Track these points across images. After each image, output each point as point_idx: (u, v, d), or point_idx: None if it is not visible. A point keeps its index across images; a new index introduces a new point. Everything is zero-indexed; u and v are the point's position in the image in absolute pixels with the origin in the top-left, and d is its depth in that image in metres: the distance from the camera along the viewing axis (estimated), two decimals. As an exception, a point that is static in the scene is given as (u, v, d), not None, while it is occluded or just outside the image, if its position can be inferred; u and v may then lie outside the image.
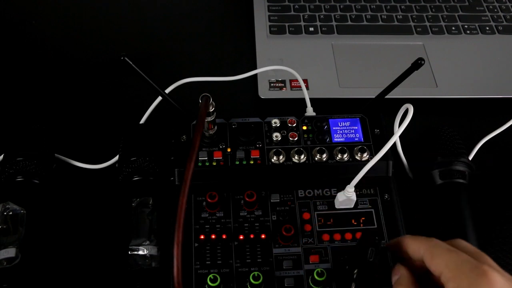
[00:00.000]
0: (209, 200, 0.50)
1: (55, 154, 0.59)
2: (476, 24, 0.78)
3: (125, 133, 0.56)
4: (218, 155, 0.53)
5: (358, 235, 0.51)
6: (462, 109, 0.69)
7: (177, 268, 0.39)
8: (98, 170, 0.59)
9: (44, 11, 0.79)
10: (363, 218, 0.52)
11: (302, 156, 0.53)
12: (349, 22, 0.77)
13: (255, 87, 0.68)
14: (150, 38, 0.76)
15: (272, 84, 0.68)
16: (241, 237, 0.50)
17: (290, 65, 0.64)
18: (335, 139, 0.55)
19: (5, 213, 0.53)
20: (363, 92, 0.66)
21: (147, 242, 0.51)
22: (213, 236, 0.50)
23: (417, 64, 0.51)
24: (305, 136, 0.55)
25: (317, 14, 0.78)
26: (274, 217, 0.52)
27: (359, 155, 0.54)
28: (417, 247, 0.43)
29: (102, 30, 0.77)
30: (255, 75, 0.67)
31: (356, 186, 0.49)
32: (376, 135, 0.56)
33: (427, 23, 0.77)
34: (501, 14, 0.80)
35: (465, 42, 0.76)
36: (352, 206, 0.52)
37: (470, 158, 0.61)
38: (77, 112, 0.66)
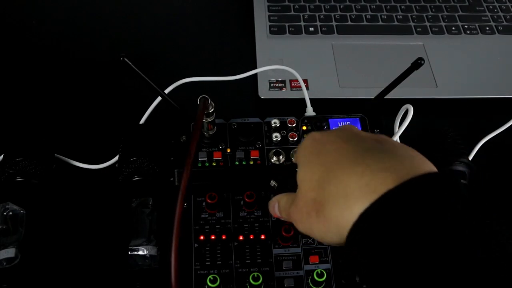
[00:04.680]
0: (208, 200, 0.50)
1: (55, 154, 0.59)
2: (476, 24, 0.78)
3: (125, 133, 0.56)
4: (217, 156, 0.54)
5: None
6: (462, 109, 0.69)
7: (175, 277, 0.39)
8: (98, 170, 0.59)
9: (44, 11, 0.79)
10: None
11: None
12: (349, 22, 0.77)
13: (255, 87, 0.68)
14: (150, 38, 0.76)
15: (272, 84, 0.68)
16: (241, 237, 0.50)
17: (290, 65, 0.64)
18: (335, 140, 0.55)
19: (5, 214, 0.53)
20: (363, 92, 0.66)
21: (147, 243, 0.51)
22: (212, 237, 0.50)
23: (417, 64, 0.51)
24: (305, 136, 0.55)
25: (317, 14, 0.78)
26: (273, 218, 0.52)
27: (359, 155, 0.54)
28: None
29: (102, 30, 0.77)
30: (255, 75, 0.67)
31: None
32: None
33: (427, 23, 0.77)
34: (501, 14, 0.80)
35: (465, 42, 0.75)
36: (352, 206, 0.52)
37: (470, 158, 0.61)
38: (77, 112, 0.66)
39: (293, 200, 0.39)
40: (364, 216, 0.30)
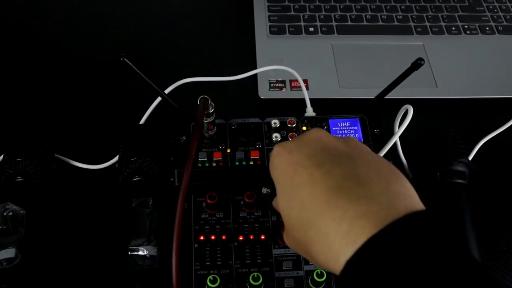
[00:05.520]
0: (208, 201, 0.50)
1: (55, 154, 0.59)
2: (476, 24, 0.78)
3: (125, 133, 0.56)
4: (217, 156, 0.53)
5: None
6: (462, 109, 0.69)
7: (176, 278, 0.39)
8: (98, 170, 0.59)
9: (44, 11, 0.79)
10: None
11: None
12: (349, 22, 0.77)
13: (255, 87, 0.68)
14: (150, 38, 0.76)
15: (272, 84, 0.68)
16: (241, 238, 0.50)
17: (290, 65, 0.64)
18: (335, 140, 0.55)
19: (5, 214, 0.53)
20: (363, 92, 0.66)
21: (147, 243, 0.51)
22: (212, 237, 0.50)
23: (417, 64, 0.51)
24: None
25: (317, 14, 0.78)
26: (274, 218, 0.52)
27: (359, 155, 0.54)
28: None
29: (102, 30, 0.77)
30: (255, 75, 0.67)
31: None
32: (376, 135, 0.56)
33: (427, 23, 0.77)
34: (501, 14, 0.80)
35: (465, 42, 0.75)
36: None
37: (470, 158, 0.61)
38: (77, 112, 0.66)
39: (285, 228, 0.40)
40: (348, 267, 0.31)
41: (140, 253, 0.51)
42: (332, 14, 0.78)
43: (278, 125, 0.56)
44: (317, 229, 0.33)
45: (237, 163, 0.53)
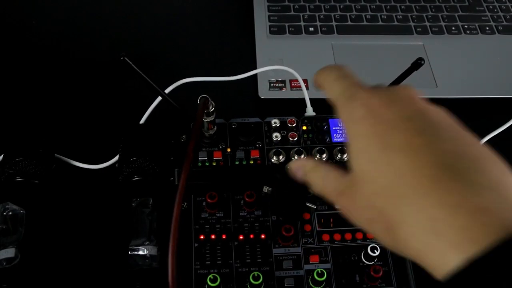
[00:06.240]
0: (209, 200, 0.50)
1: (55, 154, 0.59)
2: (476, 24, 0.78)
3: (125, 133, 0.56)
4: (218, 155, 0.53)
5: (358, 235, 0.51)
6: (462, 109, 0.68)
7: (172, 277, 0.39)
8: (98, 170, 0.59)
9: (44, 11, 0.79)
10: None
11: (302, 156, 0.53)
12: (349, 22, 0.77)
13: (255, 87, 0.68)
14: (150, 38, 0.76)
15: (272, 84, 0.68)
16: (241, 237, 0.50)
17: (290, 65, 0.64)
18: (335, 139, 0.55)
19: (4, 214, 0.53)
20: (363, 92, 0.66)
21: (147, 242, 0.51)
22: (213, 236, 0.50)
23: (417, 64, 0.51)
24: (305, 136, 0.55)
25: (317, 14, 0.78)
26: (274, 217, 0.52)
27: (359, 155, 0.54)
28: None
29: (102, 30, 0.77)
30: (255, 75, 0.67)
31: (356, 186, 0.49)
32: (376, 135, 0.56)
33: (427, 23, 0.77)
34: (501, 14, 0.80)
35: (465, 42, 0.76)
36: (352, 206, 0.52)
37: (470, 158, 0.61)
38: (77, 112, 0.66)
39: (346, 187, 0.32)
40: (466, 271, 0.24)
41: (140, 253, 0.51)
42: (332, 14, 0.78)
43: (278, 125, 0.56)
44: (416, 209, 0.26)
45: (237, 163, 0.53)
